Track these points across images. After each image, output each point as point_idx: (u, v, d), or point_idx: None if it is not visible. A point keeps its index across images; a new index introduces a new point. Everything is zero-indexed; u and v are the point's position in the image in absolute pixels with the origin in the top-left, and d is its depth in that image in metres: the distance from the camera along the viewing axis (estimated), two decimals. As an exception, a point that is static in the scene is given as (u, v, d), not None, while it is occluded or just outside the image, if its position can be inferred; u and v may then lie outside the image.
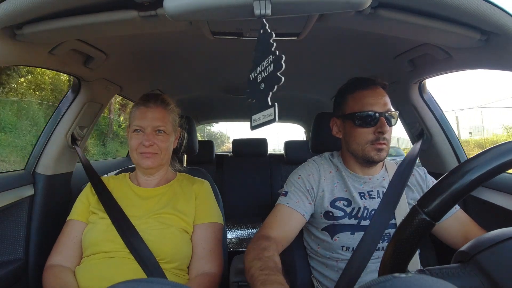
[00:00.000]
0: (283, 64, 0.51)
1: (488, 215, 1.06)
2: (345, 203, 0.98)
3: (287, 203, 0.95)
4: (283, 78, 0.51)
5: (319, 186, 0.99)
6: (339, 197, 0.99)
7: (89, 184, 1.08)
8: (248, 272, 0.71)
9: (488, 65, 0.89)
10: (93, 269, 0.90)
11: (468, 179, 0.43)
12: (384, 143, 0.94)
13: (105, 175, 1.19)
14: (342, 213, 0.97)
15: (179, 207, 1.02)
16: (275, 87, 0.53)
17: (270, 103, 0.54)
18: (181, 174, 1.16)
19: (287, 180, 1.04)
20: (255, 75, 0.59)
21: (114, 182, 1.09)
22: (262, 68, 0.56)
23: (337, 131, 1.05)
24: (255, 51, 0.59)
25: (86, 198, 1.04)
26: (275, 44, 0.54)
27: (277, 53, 0.53)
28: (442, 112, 1.28)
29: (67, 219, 1.02)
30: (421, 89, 1.25)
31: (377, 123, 0.93)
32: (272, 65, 0.54)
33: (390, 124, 0.95)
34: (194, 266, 0.98)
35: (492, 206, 1.03)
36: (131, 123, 1.04)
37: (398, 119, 1.04)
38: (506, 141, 0.45)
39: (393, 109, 0.96)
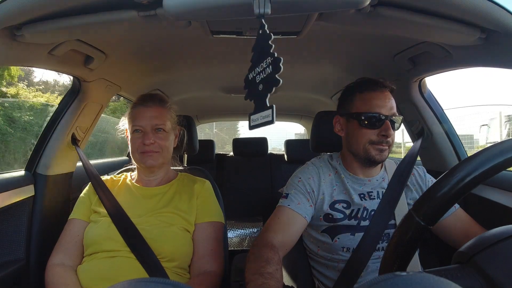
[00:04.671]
0: (281, 67, 0.52)
1: (488, 213, 1.06)
2: (344, 205, 0.98)
3: (289, 205, 0.95)
4: (281, 81, 0.52)
5: (319, 189, 0.99)
6: (338, 200, 0.98)
7: (90, 183, 1.08)
8: (247, 285, 0.70)
9: (487, 63, 0.89)
10: (95, 269, 0.91)
11: (461, 183, 0.43)
12: (386, 146, 0.94)
13: (106, 175, 1.20)
14: (341, 215, 0.97)
15: (180, 206, 1.02)
16: (273, 89, 0.53)
17: (268, 105, 0.55)
18: (182, 173, 1.16)
19: (287, 183, 1.04)
20: (254, 75, 0.59)
21: (115, 182, 1.09)
22: (261, 69, 0.57)
23: (339, 129, 1.04)
24: (253, 51, 0.59)
25: (88, 197, 1.05)
26: (273, 45, 0.54)
27: (276, 55, 0.53)
28: (443, 110, 1.27)
29: (69, 218, 1.02)
30: (421, 87, 1.25)
31: (382, 125, 0.92)
32: (270, 66, 0.54)
33: (394, 128, 0.95)
34: (195, 265, 0.98)
35: (492, 204, 1.03)
36: (131, 124, 1.04)
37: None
38: (498, 142, 0.45)
39: (397, 114, 0.96)
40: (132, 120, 1.04)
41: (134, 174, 1.13)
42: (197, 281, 0.93)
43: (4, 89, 7.22)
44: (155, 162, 1.03)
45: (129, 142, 1.08)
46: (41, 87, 9.76)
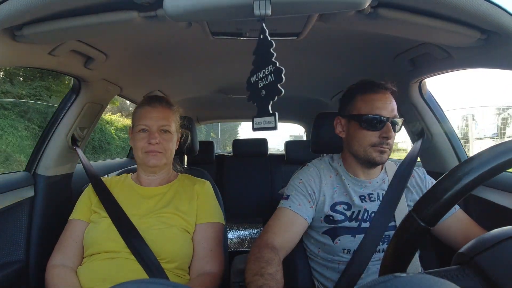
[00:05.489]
0: (283, 78, 0.53)
1: (489, 214, 1.06)
2: (345, 207, 0.98)
3: (289, 206, 0.95)
4: (283, 91, 0.53)
5: (320, 190, 0.99)
6: (339, 201, 0.98)
7: (91, 184, 1.08)
8: (247, 286, 0.70)
9: (488, 65, 0.89)
10: (95, 270, 0.90)
11: (462, 183, 0.43)
12: (387, 148, 0.94)
13: (106, 176, 1.19)
14: (342, 217, 0.97)
15: (180, 206, 1.02)
16: (276, 98, 0.55)
17: (271, 112, 0.56)
18: (182, 174, 1.17)
19: (288, 184, 1.04)
20: (256, 80, 0.60)
21: (115, 182, 1.09)
22: (263, 75, 0.58)
23: (340, 130, 1.04)
24: (255, 55, 0.60)
25: (88, 198, 1.05)
26: (275, 54, 0.54)
27: (277, 64, 0.54)
28: (442, 111, 1.27)
29: (69, 219, 1.02)
30: (421, 89, 1.25)
31: (383, 127, 0.93)
32: (272, 75, 0.55)
33: (395, 130, 0.95)
34: (195, 266, 0.98)
35: (493, 205, 1.02)
36: (136, 123, 1.04)
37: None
38: (499, 143, 0.45)
39: (398, 116, 0.96)
40: (138, 120, 1.04)
41: (135, 174, 1.13)
42: (197, 282, 0.93)
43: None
44: (158, 162, 1.04)
45: (132, 141, 1.08)
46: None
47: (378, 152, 0.94)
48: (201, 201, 1.06)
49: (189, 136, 1.23)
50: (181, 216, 1.00)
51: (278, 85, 0.53)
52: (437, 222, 0.45)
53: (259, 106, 0.59)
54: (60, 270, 0.92)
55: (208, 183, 1.15)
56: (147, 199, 1.04)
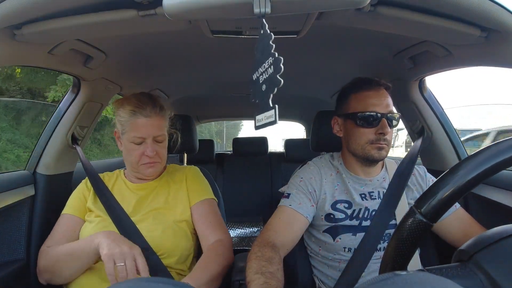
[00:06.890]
0: (282, 67, 0.52)
1: (489, 213, 1.06)
2: (346, 205, 0.98)
3: (290, 205, 0.95)
4: (282, 81, 0.52)
5: (321, 189, 0.99)
6: (340, 200, 0.99)
7: (84, 180, 1.08)
8: (248, 284, 0.70)
9: (488, 62, 0.89)
10: (96, 270, 0.90)
11: (464, 179, 0.43)
12: (385, 144, 0.94)
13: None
14: (343, 215, 0.97)
15: (172, 198, 1.03)
16: (275, 89, 0.54)
17: (271, 105, 0.55)
18: (170, 165, 1.18)
19: (289, 182, 1.04)
20: (257, 76, 0.59)
21: (108, 178, 1.10)
22: (263, 69, 0.57)
23: (338, 130, 1.05)
24: (256, 52, 0.59)
25: (82, 194, 1.05)
26: (274, 45, 0.54)
27: (276, 55, 0.53)
28: (443, 109, 1.27)
29: (62, 213, 1.02)
30: (421, 87, 1.25)
31: (378, 124, 0.93)
32: (272, 67, 0.54)
33: (391, 126, 0.95)
34: (203, 242, 1.00)
35: (493, 204, 1.02)
36: (129, 133, 0.99)
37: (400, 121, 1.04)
38: (503, 139, 0.45)
39: (395, 111, 0.96)
40: (131, 130, 0.98)
41: (127, 170, 1.12)
42: (208, 252, 0.94)
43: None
44: (155, 171, 1.04)
45: (120, 145, 1.05)
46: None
47: (376, 149, 0.94)
48: (190, 182, 1.08)
49: (179, 137, 1.22)
50: (174, 208, 1.01)
51: (277, 76, 0.52)
52: (439, 218, 0.45)
53: (261, 102, 0.58)
54: (55, 246, 0.93)
55: (195, 167, 1.17)
56: (140, 196, 1.04)
